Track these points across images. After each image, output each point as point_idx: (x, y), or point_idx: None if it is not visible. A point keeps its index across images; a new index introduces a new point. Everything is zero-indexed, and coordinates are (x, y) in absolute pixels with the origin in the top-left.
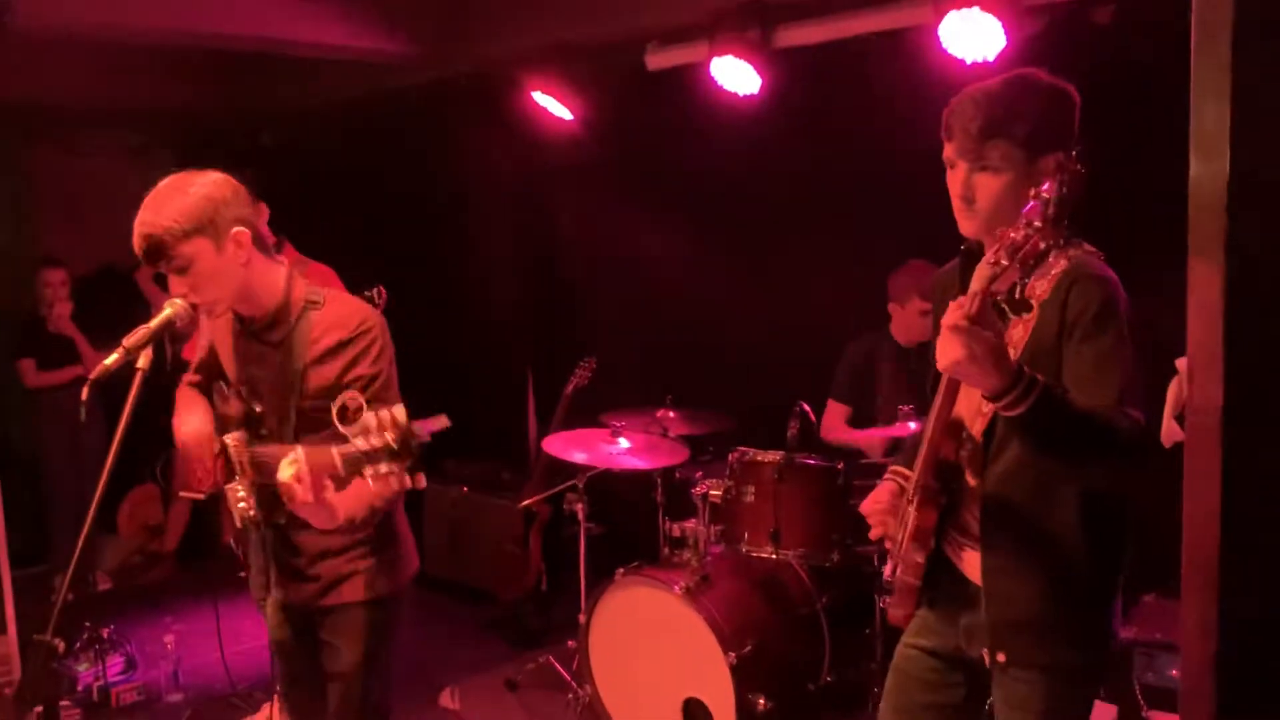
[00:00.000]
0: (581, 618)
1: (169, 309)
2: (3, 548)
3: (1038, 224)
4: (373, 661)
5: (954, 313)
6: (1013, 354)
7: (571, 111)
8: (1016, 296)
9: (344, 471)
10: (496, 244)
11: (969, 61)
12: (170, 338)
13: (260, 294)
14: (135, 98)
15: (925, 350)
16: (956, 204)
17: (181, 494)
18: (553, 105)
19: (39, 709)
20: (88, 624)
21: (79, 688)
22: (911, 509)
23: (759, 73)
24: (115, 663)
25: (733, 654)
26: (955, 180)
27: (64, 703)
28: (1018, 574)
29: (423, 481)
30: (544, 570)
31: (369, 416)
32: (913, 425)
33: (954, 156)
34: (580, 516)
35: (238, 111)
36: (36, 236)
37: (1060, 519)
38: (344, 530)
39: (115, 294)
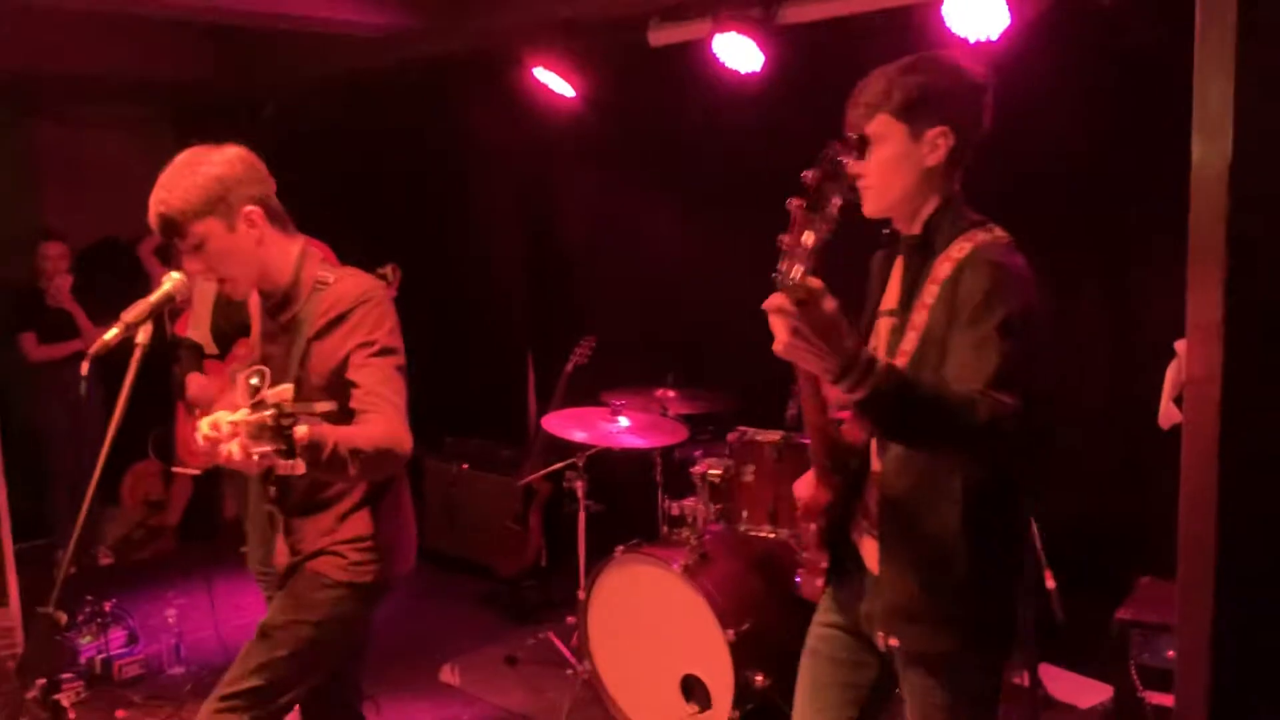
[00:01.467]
0: (581, 594)
1: (168, 283)
2: (5, 521)
3: (798, 201)
4: (291, 634)
5: (773, 300)
6: (914, 338)
7: (573, 88)
8: (790, 281)
9: (250, 451)
10: (497, 221)
11: (972, 40)
12: (168, 314)
13: (274, 272)
14: (136, 70)
15: None
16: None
17: (176, 470)
18: (554, 82)
19: (42, 681)
20: (90, 598)
21: (82, 660)
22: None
23: (762, 50)
24: (118, 636)
25: (731, 631)
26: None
27: (67, 675)
28: (907, 562)
29: (300, 469)
30: (544, 547)
31: (267, 392)
32: None
33: (847, 136)
34: (580, 494)
35: (239, 85)
36: (37, 209)
37: (947, 510)
38: (334, 467)
39: (116, 267)
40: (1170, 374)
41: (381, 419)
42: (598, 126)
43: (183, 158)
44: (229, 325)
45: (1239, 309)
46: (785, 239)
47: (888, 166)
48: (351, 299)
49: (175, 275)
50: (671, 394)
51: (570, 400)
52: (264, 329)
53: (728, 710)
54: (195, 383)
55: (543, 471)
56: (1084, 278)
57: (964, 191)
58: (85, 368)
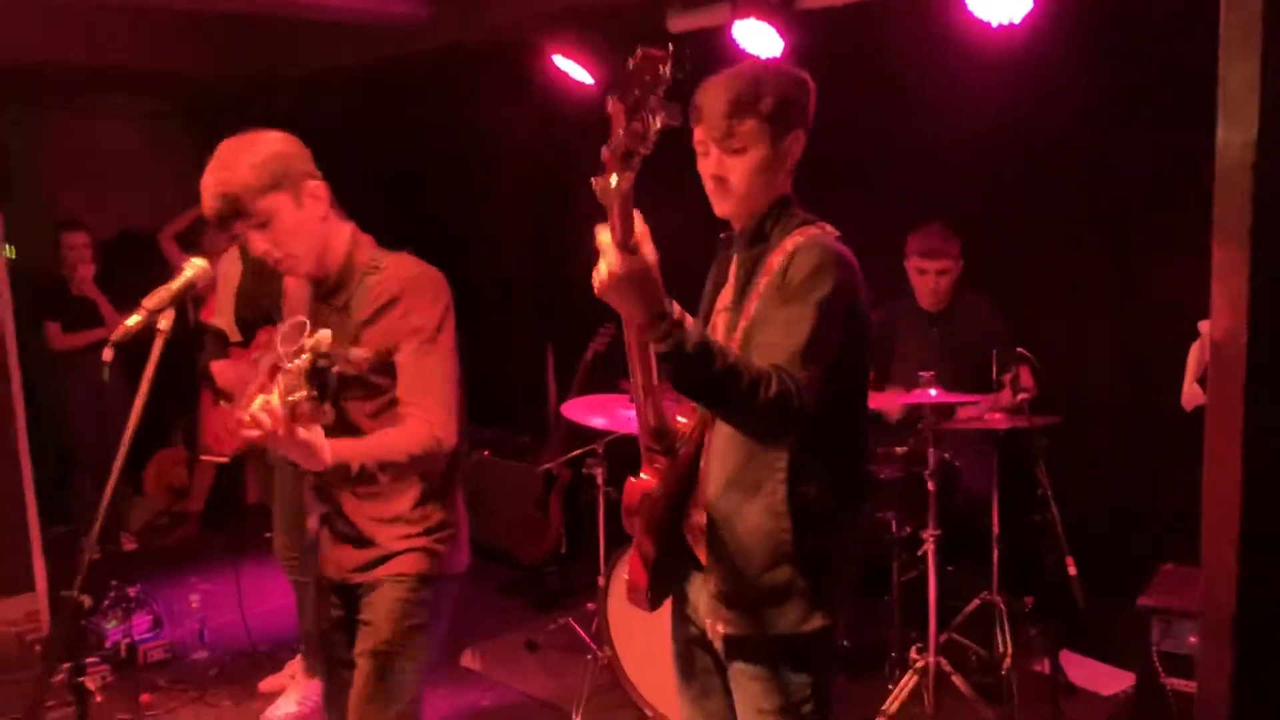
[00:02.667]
0: (601, 580)
1: (190, 270)
2: (32, 507)
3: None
4: (406, 641)
5: (602, 234)
6: (744, 325)
7: (591, 75)
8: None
9: (285, 397)
10: (515, 209)
11: (994, 25)
12: (192, 301)
13: (330, 253)
14: (151, 62)
15: (949, 316)
16: (709, 185)
17: (203, 457)
18: (572, 69)
19: (68, 665)
20: (115, 583)
21: (107, 645)
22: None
23: (781, 35)
24: (142, 621)
25: None
26: (708, 163)
27: (92, 659)
28: (738, 548)
29: (329, 415)
30: (564, 533)
31: (306, 340)
32: (933, 392)
33: (704, 139)
34: (599, 481)
35: (254, 76)
36: (54, 200)
37: (771, 496)
38: (363, 482)
39: (136, 257)
40: (1193, 354)
41: (419, 422)
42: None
43: (231, 142)
44: (252, 313)
45: (1264, 295)
46: (605, 151)
47: (756, 171)
48: (401, 283)
49: (197, 262)
50: None
51: (590, 387)
52: (312, 311)
53: None
54: (221, 369)
55: (563, 458)
56: (1101, 263)
57: (986, 174)
58: (108, 354)
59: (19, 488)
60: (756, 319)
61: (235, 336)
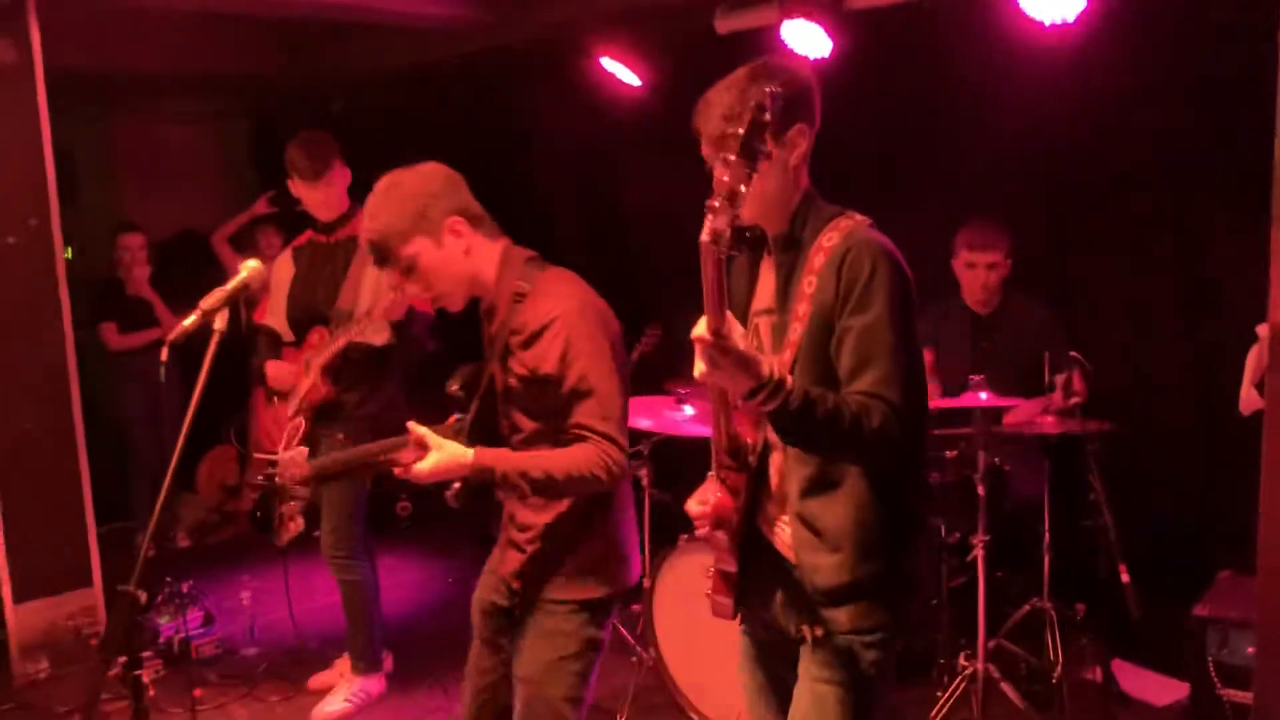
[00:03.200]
0: (645, 582)
1: (244, 271)
2: (89, 504)
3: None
4: (560, 673)
5: (697, 329)
6: (799, 328)
7: (639, 77)
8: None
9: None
10: (563, 211)
11: (1047, 24)
12: (245, 302)
13: (481, 281)
14: (211, 66)
15: (997, 318)
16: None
17: (256, 455)
18: (620, 71)
19: (124, 659)
20: (168, 579)
21: (160, 640)
22: (716, 490)
23: (830, 36)
24: (194, 617)
25: None
26: (718, 174)
27: (146, 654)
28: (823, 549)
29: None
30: None
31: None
32: (983, 396)
33: (710, 155)
34: (645, 482)
35: (310, 79)
36: (117, 202)
37: (854, 491)
38: (523, 496)
39: (192, 258)
40: (1251, 359)
41: (588, 449)
42: (664, 116)
43: (381, 184)
44: (304, 313)
45: None
46: (714, 201)
47: (760, 174)
48: (543, 318)
49: (251, 264)
50: None
51: (636, 389)
52: (484, 336)
53: None
54: (274, 369)
55: None
56: (1160, 265)
57: (1039, 176)
58: (165, 354)
59: (76, 485)
60: (815, 325)
61: (288, 337)
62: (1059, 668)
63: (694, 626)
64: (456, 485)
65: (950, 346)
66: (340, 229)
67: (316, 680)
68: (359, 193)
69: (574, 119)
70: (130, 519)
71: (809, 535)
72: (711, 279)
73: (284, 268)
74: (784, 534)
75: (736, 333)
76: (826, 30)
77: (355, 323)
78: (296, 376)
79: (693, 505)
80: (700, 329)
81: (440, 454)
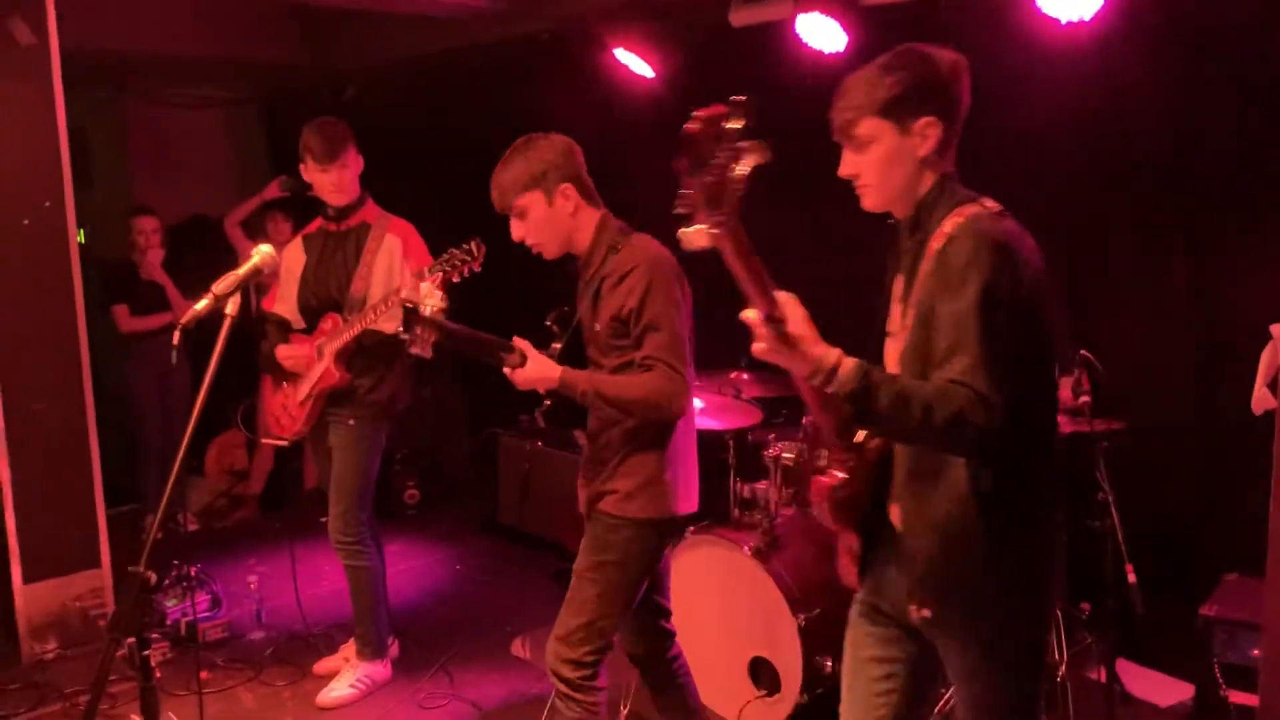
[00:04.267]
0: None
1: (256, 256)
2: (98, 486)
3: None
4: (599, 575)
5: (747, 312)
6: (912, 314)
7: (653, 69)
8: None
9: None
10: None
11: (1064, 21)
12: (254, 289)
13: (577, 239)
14: (227, 52)
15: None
16: (856, 186)
17: (264, 440)
18: (634, 62)
19: (131, 640)
20: (176, 562)
21: (167, 623)
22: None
23: (845, 30)
24: (202, 600)
25: (801, 616)
26: (842, 164)
27: (154, 635)
28: (926, 531)
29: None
30: None
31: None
32: None
33: (837, 140)
34: None
35: (323, 67)
36: (130, 185)
37: (953, 481)
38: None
39: (204, 242)
40: (1265, 358)
41: (655, 377)
42: (677, 108)
43: (516, 144)
44: (316, 300)
45: None
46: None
47: (883, 165)
48: (631, 264)
49: (264, 249)
50: (746, 377)
51: None
52: (579, 289)
53: (796, 694)
54: (286, 350)
55: None
56: (1172, 265)
57: (1052, 173)
58: (177, 337)
59: (86, 466)
60: (922, 311)
61: (298, 324)
62: (1063, 667)
63: (698, 619)
64: (547, 403)
65: None
66: (351, 216)
67: (322, 665)
68: (369, 181)
69: (587, 110)
70: (139, 502)
71: (911, 521)
72: (739, 273)
73: (294, 255)
74: (896, 514)
75: (796, 314)
76: (842, 25)
77: (368, 310)
78: (309, 360)
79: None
80: (749, 312)
81: (536, 364)
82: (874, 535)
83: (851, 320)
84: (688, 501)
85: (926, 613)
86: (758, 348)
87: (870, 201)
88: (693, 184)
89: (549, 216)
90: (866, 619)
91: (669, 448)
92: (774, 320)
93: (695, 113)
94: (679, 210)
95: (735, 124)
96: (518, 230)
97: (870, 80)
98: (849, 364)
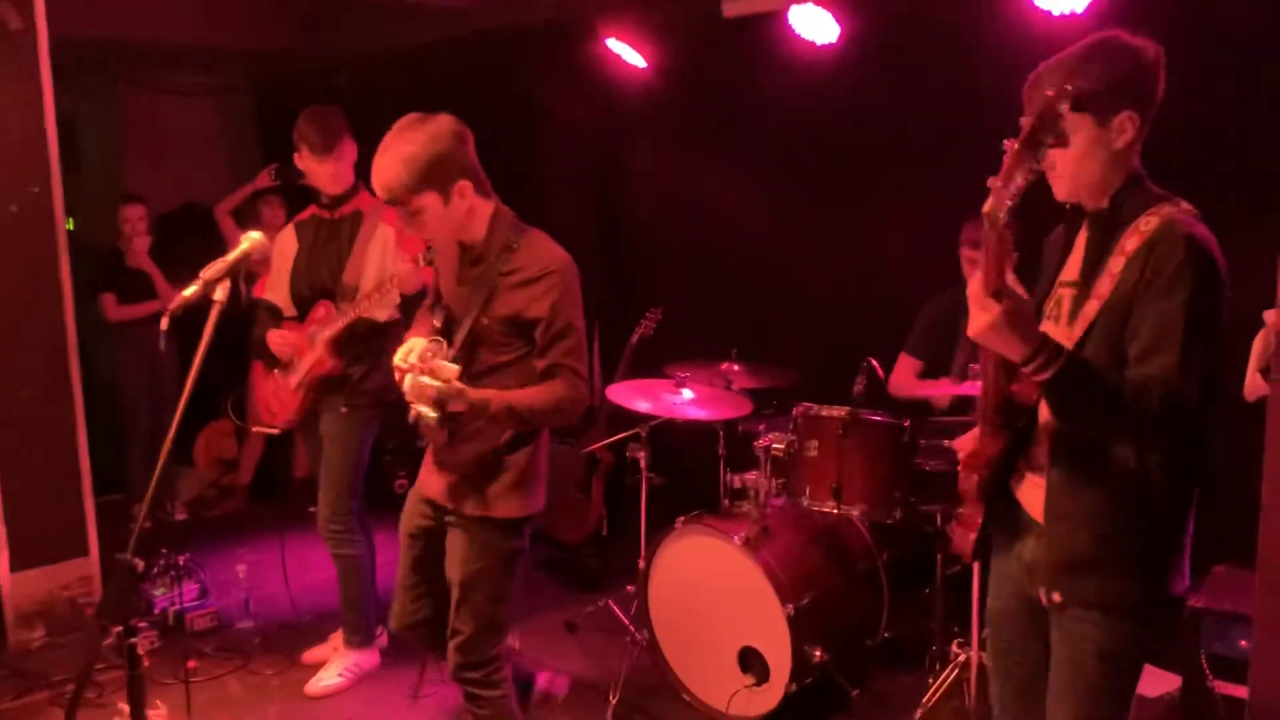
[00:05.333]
0: (641, 564)
1: (246, 243)
2: (86, 475)
3: (1002, 221)
4: (478, 578)
5: (975, 284)
6: (1095, 305)
7: (646, 59)
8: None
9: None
10: (566, 192)
11: (1055, 13)
12: (245, 277)
13: (472, 232)
14: (218, 38)
15: None
16: (1049, 175)
17: (255, 429)
18: (627, 52)
19: (118, 628)
20: (164, 551)
21: (155, 612)
22: (978, 438)
23: (838, 21)
24: (190, 589)
25: (790, 605)
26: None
27: (141, 624)
28: (1079, 515)
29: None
30: (605, 516)
31: (437, 364)
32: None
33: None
34: (642, 464)
35: (317, 54)
36: (119, 172)
37: (1120, 462)
38: (504, 426)
39: (193, 230)
40: (1258, 345)
41: (562, 385)
42: (670, 98)
43: (398, 133)
44: (309, 288)
45: None
46: (995, 180)
47: (1079, 156)
48: (540, 267)
49: (253, 235)
50: (736, 367)
51: (635, 371)
52: (459, 274)
53: (785, 683)
54: (278, 337)
55: (606, 441)
56: None
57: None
58: (164, 324)
59: (74, 455)
60: (1114, 304)
61: (290, 311)
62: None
63: (688, 608)
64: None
65: (964, 334)
66: (345, 204)
67: (311, 654)
68: (361, 169)
69: (580, 100)
70: (127, 491)
71: (1065, 503)
72: (990, 246)
73: (287, 242)
74: (1034, 496)
75: (1019, 289)
76: (835, 16)
77: (362, 298)
78: (301, 347)
79: (960, 443)
80: (976, 286)
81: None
82: (996, 510)
83: (849, 306)
84: (540, 498)
85: (1058, 597)
86: (976, 325)
87: (1062, 191)
88: (1014, 169)
89: (444, 215)
90: (1006, 612)
91: (539, 445)
92: (1002, 294)
93: (1050, 104)
94: (994, 181)
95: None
96: (411, 224)
97: (1071, 70)
98: (1068, 351)
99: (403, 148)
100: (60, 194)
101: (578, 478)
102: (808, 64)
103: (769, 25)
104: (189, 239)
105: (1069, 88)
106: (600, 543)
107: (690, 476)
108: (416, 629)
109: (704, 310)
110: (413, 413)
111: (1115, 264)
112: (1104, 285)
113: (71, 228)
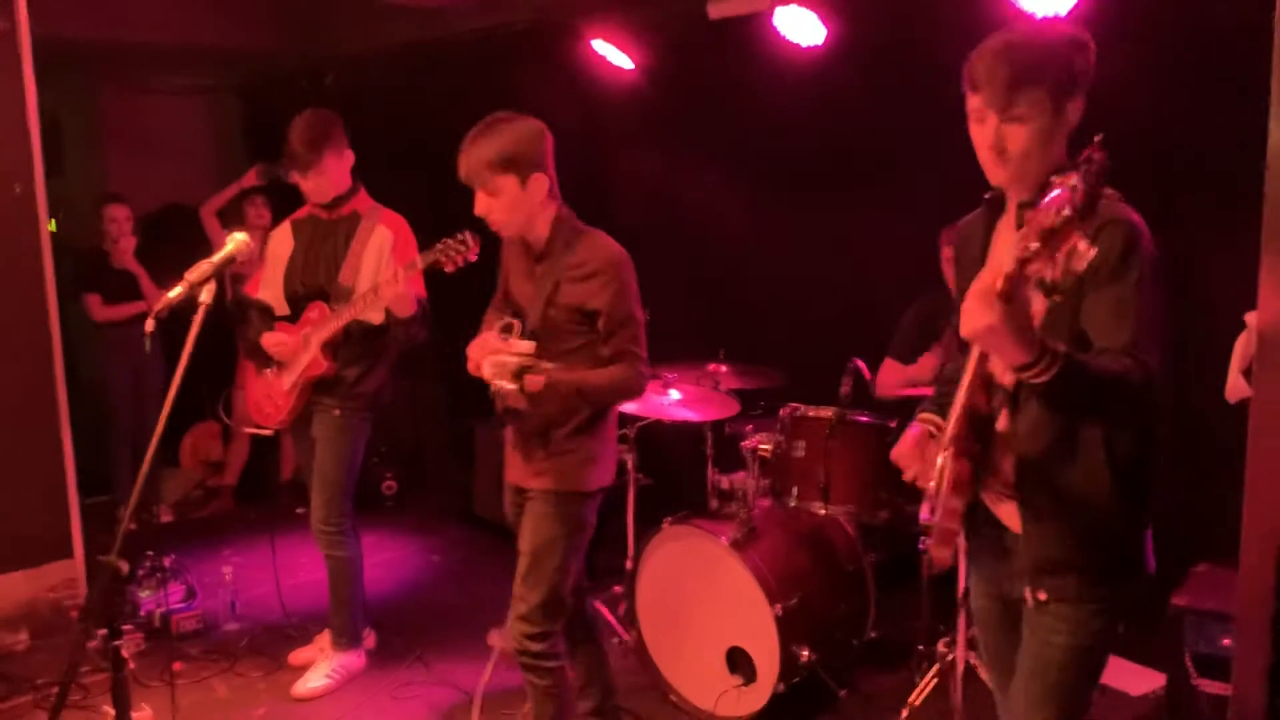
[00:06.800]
0: (629, 564)
1: (231, 245)
2: (71, 476)
3: (1067, 213)
4: (549, 546)
5: (983, 282)
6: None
7: (632, 61)
8: (1048, 281)
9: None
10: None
11: (1039, 16)
12: (231, 276)
13: (540, 228)
14: (203, 38)
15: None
16: (986, 155)
17: (246, 430)
18: (613, 54)
19: (103, 631)
20: (150, 553)
21: (141, 613)
22: (948, 459)
23: (824, 23)
24: (176, 591)
25: (778, 605)
26: (985, 132)
27: (127, 626)
28: (1053, 518)
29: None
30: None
31: (515, 342)
32: None
33: (982, 108)
34: (629, 465)
35: (302, 55)
36: (105, 173)
37: (1089, 461)
38: (575, 407)
39: (178, 231)
40: (1239, 346)
41: (625, 369)
42: (655, 100)
43: (497, 117)
44: (304, 288)
45: None
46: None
47: (1035, 141)
48: (600, 262)
49: (239, 236)
50: (724, 368)
51: None
52: (526, 270)
53: (773, 684)
54: (272, 338)
55: None
56: None
57: None
58: (150, 325)
59: (58, 457)
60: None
61: (282, 311)
62: None
63: (676, 609)
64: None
65: (937, 337)
66: (342, 205)
67: (297, 656)
68: (358, 170)
69: (565, 101)
70: (112, 493)
71: (1038, 503)
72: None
73: (282, 241)
74: (1007, 504)
75: (1025, 297)
76: (820, 17)
77: (357, 300)
78: (295, 348)
79: (896, 451)
80: (985, 282)
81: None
82: (973, 524)
83: (836, 307)
84: (608, 473)
85: (1043, 595)
86: (976, 324)
87: (1005, 175)
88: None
89: (520, 200)
90: (991, 615)
91: (606, 424)
92: (1012, 299)
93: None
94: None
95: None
96: (483, 205)
97: (1041, 52)
98: (1065, 353)
99: (495, 132)
100: (44, 194)
101: None
102: (793, 66)
103: (754, 27)
104: (174, 240)
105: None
106: (588, 543)
107: (677, 477)
108: None
109: (691, 311)
110: (494, 390)
111: None
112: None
113: (54, 228)
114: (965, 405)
